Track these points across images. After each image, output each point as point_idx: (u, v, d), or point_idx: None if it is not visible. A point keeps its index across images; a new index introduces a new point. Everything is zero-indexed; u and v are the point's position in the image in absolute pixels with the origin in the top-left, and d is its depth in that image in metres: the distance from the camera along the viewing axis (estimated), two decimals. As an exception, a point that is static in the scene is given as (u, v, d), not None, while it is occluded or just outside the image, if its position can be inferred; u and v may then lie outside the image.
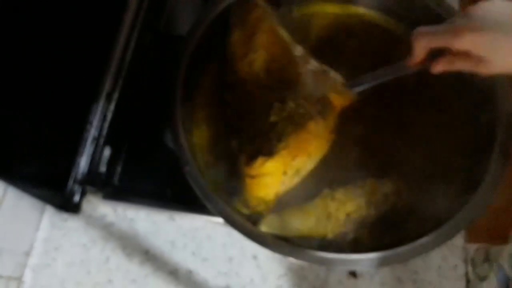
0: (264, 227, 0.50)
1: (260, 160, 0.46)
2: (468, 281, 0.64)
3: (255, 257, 0.59)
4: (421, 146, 0.54)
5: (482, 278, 0.67)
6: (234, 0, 0.55)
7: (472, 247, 0.73)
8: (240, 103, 0.51)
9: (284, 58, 0.51)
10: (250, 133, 0.48)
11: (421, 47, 0.43)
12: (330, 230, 0.51)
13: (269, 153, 0.46)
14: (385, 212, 0.51)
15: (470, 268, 0.70)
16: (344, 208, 0.51)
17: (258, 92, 0.50)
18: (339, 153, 0.52)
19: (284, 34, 0.52)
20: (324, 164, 0.51)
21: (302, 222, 0.51)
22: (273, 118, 0.47)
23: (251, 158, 0.46)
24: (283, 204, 0.51)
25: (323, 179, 0.52)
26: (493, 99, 0.51)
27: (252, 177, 0.47)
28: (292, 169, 0.48)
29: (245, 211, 0.50)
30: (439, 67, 0.44)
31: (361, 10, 0.60)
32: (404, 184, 0.52)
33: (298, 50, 0.51)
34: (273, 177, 0.47)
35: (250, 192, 0.48)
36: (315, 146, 0.48)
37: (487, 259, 0.69)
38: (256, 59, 0.51)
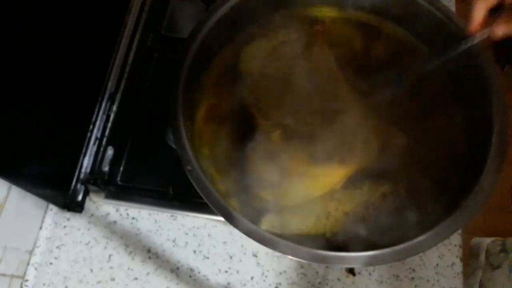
0: (264, 226, 0.50)
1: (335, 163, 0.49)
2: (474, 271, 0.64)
3: (255, 255, 0.60)
4: (418, 147, 0.55)
5: (495, 267, 0.67)
6: (235, 2, 0.55)
7: (487, 240, 0.73)
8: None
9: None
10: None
11: (479, 7, 0.41)
12: (329, 229, 0.51)
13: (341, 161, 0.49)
14: (383, 212, 0.52)
15: (483, 258, 0.70)
16: (343, 208, 0.52)
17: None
18: None
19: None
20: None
21: (302, 221, 0.52)
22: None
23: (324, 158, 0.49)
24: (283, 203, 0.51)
25: None
26: (488, 101, 0.52)
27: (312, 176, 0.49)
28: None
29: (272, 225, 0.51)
30: (500, 29, 0.41)
31: (358, 13, 0.60)
32: (402, 184, 0.53)
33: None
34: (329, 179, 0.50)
35: (296, 187, 0.50)
36: None
37: (504, 249, 0.69)
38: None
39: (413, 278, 0.59)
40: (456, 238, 0.61)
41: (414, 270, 0.60)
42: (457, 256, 0.61)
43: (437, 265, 0.60)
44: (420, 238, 0.46)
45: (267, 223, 0.51)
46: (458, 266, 0.60)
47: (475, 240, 0.78)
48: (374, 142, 0.52)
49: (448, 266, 0.60)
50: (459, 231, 0.61)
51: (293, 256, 0.46)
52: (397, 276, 0.59)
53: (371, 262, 0.46)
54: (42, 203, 0.60)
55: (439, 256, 0.60)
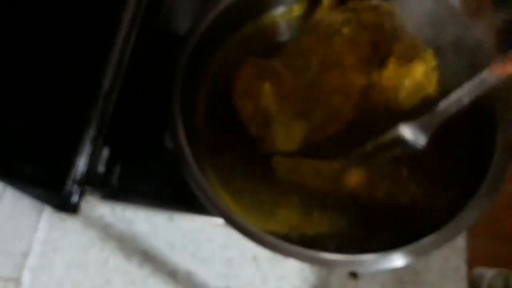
0: (276, 161, 0.51)
1: None
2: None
3: (255, 258, 0.59)
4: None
5: None
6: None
7: (490, 272, 0.73)
8: None
9: None
10: None
11: None
12: (329, 198, 0.52)
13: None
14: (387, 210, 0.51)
15: None
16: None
17: None
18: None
19: None
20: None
21: (310, 175, 0.52)
22: None
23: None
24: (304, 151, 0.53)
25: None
26: (493, 104, 0.51)
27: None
28: None
29: None
30: None
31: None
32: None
33: None
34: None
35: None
36: None
37: (507, 285, 0.69)
38: None
39: (416, 281, 0.59)
40: (461, 240, 0.60)
41: (418, 273, 0.59)
42: (462, 259, 0.60)
43: (441, 268, 0.59)
44: (424, 240, 0.45)
45: (280, 161, 0.51)
46: (463, 269, 0.59)
47: (477, 270, 0.78)
48: None
49: (452, 269, 0.59)
50: (464, 233, 0.60)
51: (294, 259, 0.45)
52: (401, 280, 0.59)
53: (376, 265, 0.46)
54: (37, 204, 0.59)
55: (443, 259, 0.60)
